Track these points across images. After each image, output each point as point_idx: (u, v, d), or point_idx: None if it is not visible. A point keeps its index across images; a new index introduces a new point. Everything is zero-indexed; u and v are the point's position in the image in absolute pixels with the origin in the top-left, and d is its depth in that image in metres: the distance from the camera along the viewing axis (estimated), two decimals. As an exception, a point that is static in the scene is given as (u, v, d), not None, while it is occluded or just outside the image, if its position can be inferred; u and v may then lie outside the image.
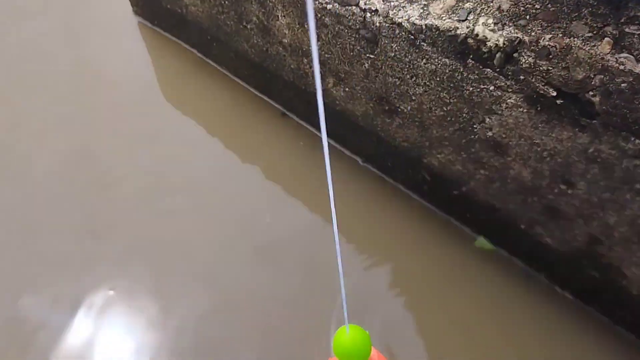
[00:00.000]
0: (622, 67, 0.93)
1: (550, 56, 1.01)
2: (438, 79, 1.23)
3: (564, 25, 1.02)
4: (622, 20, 0.98)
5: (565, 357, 1.37)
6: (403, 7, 1.21)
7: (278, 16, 1.52)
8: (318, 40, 1.43)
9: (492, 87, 1.14)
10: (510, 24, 1.07)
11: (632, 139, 0.99)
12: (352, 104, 1.53)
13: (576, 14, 1.02)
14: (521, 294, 1.47)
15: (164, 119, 1.95)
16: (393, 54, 1.27)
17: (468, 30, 1.10)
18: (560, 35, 1.01)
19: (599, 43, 0.97)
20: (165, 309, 1.46)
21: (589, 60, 0.97)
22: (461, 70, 1.16)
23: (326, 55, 1.45)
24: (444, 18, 1.15)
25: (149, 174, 1.78)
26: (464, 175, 1.40)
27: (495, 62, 1.10)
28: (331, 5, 1.32)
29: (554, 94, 1.05)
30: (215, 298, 1.48)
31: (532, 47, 1.03)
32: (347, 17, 1.31)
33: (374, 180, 1.71)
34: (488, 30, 1.08)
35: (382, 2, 1.24)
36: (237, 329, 1.44)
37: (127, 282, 1.51)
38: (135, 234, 1.62)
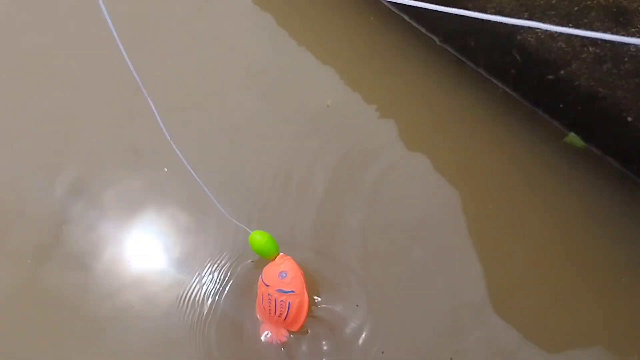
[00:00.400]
0: None
1: None
2: None
3: None
4: None
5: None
6: None
7: None
8: None
9: None
10: None
11: None
12: (437, -34, 1.30)
13: None
14: (613, 197, 1.30)
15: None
16: None
17: None
18: None
19: None
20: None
21: None
22: None
23: None
24: None
25: (196, 53, 1.64)
26: (567, 54, 1.19)
27: None
28: None
29: None
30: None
31: None
32: None
33: (451, 63, 1.51)
34: None
35: None
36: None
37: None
38: (189, 109, 1.52)
